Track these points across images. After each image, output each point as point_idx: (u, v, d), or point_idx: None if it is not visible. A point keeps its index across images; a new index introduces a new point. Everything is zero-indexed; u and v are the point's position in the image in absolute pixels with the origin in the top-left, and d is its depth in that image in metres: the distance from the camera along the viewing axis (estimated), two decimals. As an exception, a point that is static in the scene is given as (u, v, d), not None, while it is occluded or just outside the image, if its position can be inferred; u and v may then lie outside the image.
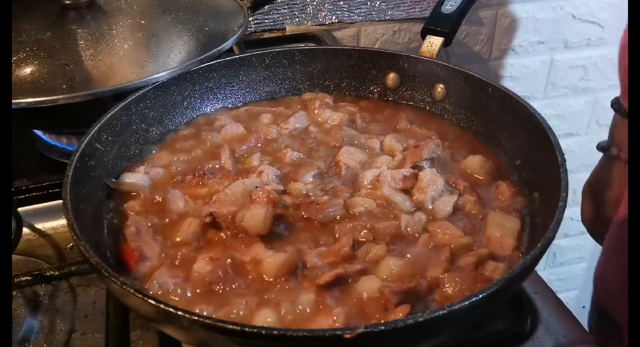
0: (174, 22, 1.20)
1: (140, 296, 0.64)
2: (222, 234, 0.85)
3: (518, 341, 0.83)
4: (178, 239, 0.84)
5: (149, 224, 0.87)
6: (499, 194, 0.92)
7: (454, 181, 0.94)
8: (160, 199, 0.92)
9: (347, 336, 0.58)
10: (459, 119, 1.10)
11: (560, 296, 0.91)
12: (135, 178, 0.95)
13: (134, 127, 1.01)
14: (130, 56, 1.11)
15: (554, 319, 0.86)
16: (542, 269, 2.55)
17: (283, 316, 0.72)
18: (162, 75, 1.05)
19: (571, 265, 2.57)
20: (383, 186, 0.91)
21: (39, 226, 1.08)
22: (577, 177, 2.34)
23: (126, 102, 0.99)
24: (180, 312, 0.61)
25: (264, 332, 0.60)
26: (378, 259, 0.80)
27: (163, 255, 0.82)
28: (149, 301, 0.63)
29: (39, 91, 1.02)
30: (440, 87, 1.12)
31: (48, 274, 0.94)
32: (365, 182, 0.93)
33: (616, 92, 2.13)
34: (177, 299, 0.75)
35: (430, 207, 0.89)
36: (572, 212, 2.41)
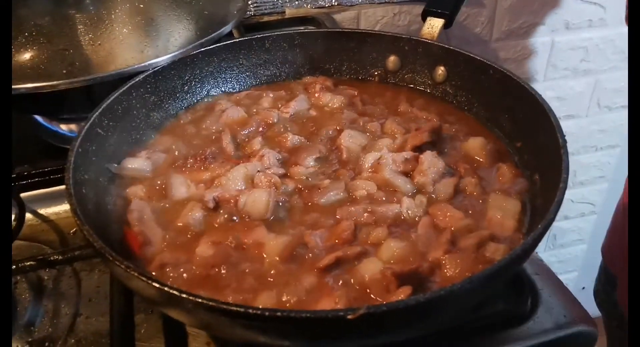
0: (173, 6, 1.20)
1: (144, 278, 0.64)
2: (225, 218, 0.85)
3: (519, 321, 0.83)
4: (180, 224, 0.85)
5: (152, 208, 0.87)
6: (500, 176, 0.92)
7: (454, 163, 0.94)
8: (162, 183, 0.92)
9: (349, 316, 0.59)
10: (460, 101, 1.10)
11: (560, 277, 0.92)
12: (137, 163, 0.95)
13: (135, 112, 1.01)
14: (129, 41, 1.10)
15: (554, 299, 0.86)
16: (543, 251, 2.56)
17: (285, 298, 0.73)
18: (162, 59, 1.04)
19: (571, 247, 2.58)
20: (384, 169, 0.92)
21: (42, 211, 1.08)
22: (578, 159, 2.35)
23: (126, 87, 0.98)
24: (184, 295, 0.62)
25: (267, 313, 0.60)
26: (379, 241, 0.81)
27: (166, 239, 0.82)
28: (153, 283, 0.64)
29: (39, 76, 1.02)
30: (441, 70, 1.12)
31: (52, 258, 0.94)
32: (366, 166, 0.93)
33: (617, 74, 2.13)
34: (180, 282, 0.75)
35: (431, 189, 0.89)
36: (573, 194, 2.43)
